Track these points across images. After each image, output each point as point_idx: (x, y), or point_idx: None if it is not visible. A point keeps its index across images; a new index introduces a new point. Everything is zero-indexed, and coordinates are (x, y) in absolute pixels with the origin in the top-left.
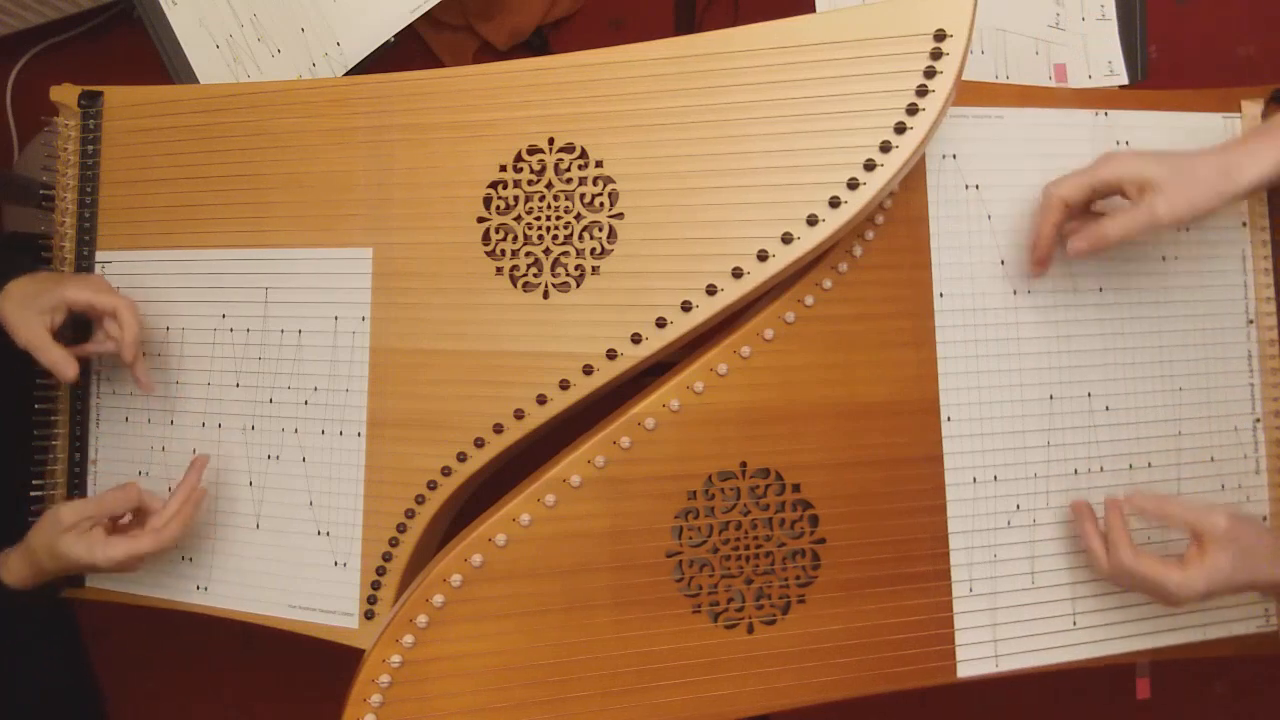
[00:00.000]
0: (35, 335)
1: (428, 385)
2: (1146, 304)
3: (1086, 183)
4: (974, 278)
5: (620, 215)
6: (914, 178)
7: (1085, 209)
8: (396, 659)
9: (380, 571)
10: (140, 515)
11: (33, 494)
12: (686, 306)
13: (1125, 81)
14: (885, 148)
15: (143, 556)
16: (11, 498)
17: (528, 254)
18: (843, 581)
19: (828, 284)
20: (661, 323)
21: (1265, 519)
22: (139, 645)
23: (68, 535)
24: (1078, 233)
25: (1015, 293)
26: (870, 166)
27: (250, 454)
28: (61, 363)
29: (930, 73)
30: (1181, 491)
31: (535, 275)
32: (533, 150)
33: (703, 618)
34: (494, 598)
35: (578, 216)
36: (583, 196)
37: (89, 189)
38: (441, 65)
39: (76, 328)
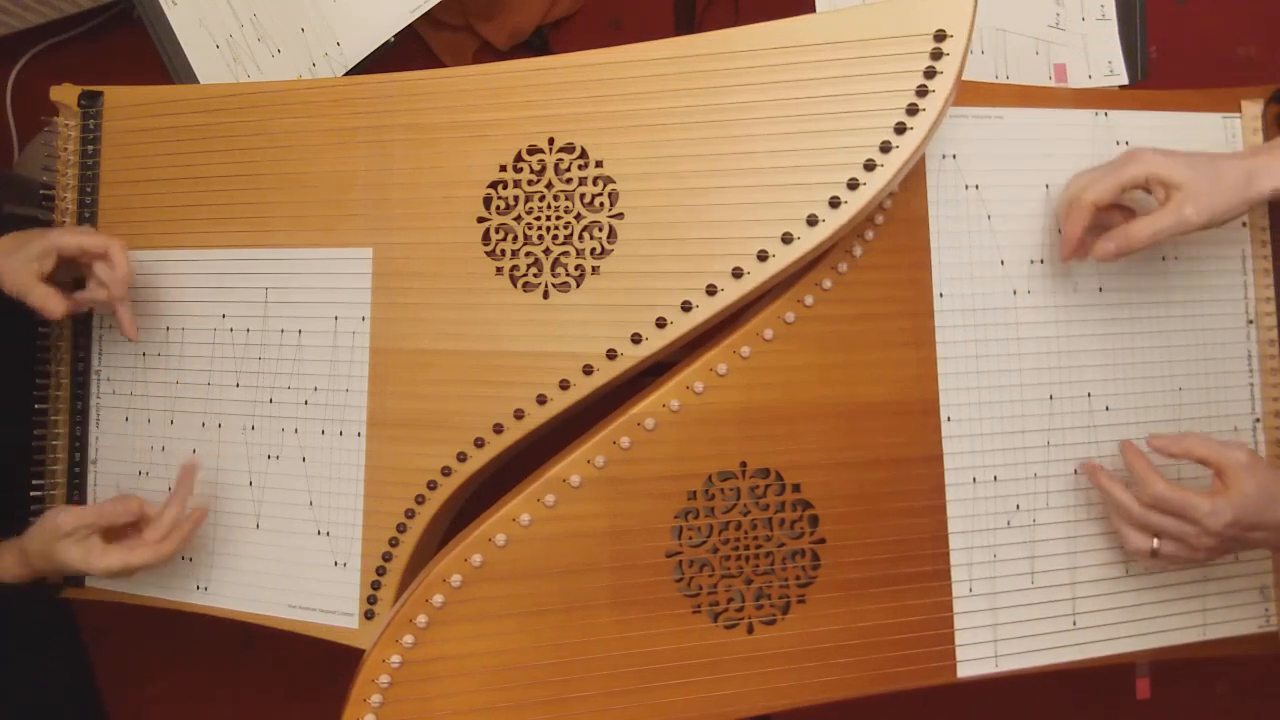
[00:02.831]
0: (21, 278)
1: (428, 385)
2: (1147, 304)
3: (1115, 184)
4: (974, 278)
5: (620, 215)
6: (914, 178)
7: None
8: (396, 659)
9: (380, 571)
10: (141, 522)
11: (33, 494)
12: (686, 306)
13: (1125, 81)
14: (885, 148)
15: (138, 568)
16: (11, 498)
17: (528, 254)
18: (843, 581)
19: (828, 284)
20: (661, 323)
21: None
22: (139, 645)
23: (65, 541)
24: (1106, 234)
25: (1015, 293)
26: (870, 166)
27: (250, 454)
28: (48, 298)
29: (930, 73)
30: None
31: (535, 275)
32: (533, 150)
33: (703, 618)
34: (494, 598)
35: (578, 216)
36: (583, 196)
37: (89, 189)
38: (441, 65)
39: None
